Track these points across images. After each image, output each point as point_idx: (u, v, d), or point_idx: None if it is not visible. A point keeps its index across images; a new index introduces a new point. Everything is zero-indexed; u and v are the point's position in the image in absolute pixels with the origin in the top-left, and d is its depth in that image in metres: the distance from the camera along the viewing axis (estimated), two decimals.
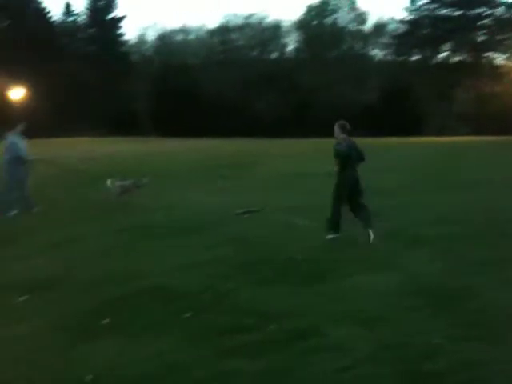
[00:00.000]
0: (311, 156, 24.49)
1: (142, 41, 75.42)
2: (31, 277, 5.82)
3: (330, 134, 7.94)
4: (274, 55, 70.22)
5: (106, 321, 4.41)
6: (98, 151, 26.78)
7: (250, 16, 67.94)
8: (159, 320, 4.47)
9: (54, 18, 65.44)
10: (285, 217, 8.98)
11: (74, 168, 18.36)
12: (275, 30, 68.09)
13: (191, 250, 6.94)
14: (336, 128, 7.72)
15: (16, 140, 9.86)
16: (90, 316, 4.58)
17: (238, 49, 70.05)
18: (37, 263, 6.42)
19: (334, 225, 7.34)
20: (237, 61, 65.35)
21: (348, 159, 7.40)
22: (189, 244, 7.23)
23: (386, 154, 19.35)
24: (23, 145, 9.89)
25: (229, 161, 20.04)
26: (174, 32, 73.68)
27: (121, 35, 70.00)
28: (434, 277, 5.48)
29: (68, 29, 65.87)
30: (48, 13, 64.53)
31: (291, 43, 70.81)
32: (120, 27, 69.16)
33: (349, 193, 7.39)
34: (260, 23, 68.39)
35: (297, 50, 68.37)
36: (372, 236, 7.04)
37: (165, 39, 72.58)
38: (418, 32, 56.77)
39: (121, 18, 68.51)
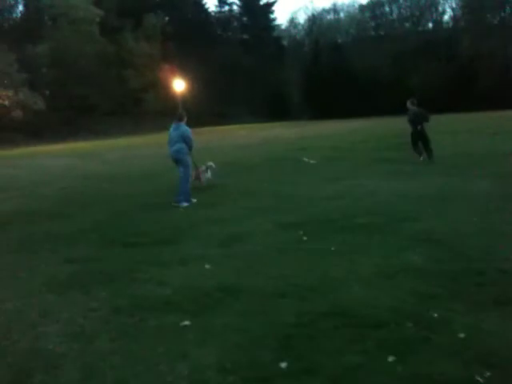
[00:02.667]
0: (487, 131, 21.57)
1: (293, 24, 75.27)
2: (194, 289, 4.73)
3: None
4: (428, 26, 65.28)
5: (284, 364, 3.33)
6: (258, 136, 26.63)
7: None
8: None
9: (210, 9, 68.31)
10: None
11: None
12: None
13: (377, 251, 5.63)
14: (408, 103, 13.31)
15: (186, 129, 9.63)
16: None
17: (390, 22, 66.25)
18: (200, 269, 5.53)
19: None
20: (389, 35, 61.83)
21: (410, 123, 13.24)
22: (369, 243, 5.93)
23: None
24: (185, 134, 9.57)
25: (395, 141, 18.20)
26: (324, 12, 72.16)
27: (273, 20, 70.47)
28: None
29: (223, 18, 67.93)
30: (205, 4, 67.41)
31: (447, 11, 65.39)
32: (272, 12, 69.61)
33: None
34: None
35: (454, 17, 62.57)
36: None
37: (315, 20, 71.41)
38: None
39: (272, 3, 68.82)
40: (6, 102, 40.99)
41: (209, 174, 11.63)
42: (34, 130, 41.79)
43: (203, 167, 11.54)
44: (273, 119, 53.39)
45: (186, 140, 9.55)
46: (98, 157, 23.48)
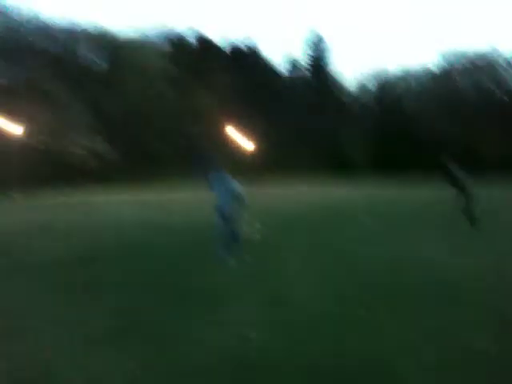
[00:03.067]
0: None
1: (362, 89, 75.94)
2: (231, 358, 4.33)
3: None
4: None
5: None
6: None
7: (477, 54, 63.30)
8: None
9: (279, 71, 70.37)
10: None
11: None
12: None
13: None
14: None
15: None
16: None
17: (461, 91, 65.48)
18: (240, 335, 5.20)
19: None
20: (458, 102, 61.02)
21: None
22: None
23: None
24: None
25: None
26: (393, 77, 72.36)
27: (340, 84, 71.59)
28: None
29: (291, 81, 69.72)
30: (274, 67, 69.61)
31: None
32: (340, 76, 70.90)
33: None
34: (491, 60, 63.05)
35: None
36: None
37: (385, 88, 71.78)
38: None
39: (340, 68, 70.11)
40: (79, 149, 43.28)
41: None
42: (107, 179, 43.59)
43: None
44: (338, 181, 53.19)
45: (231, 193, 9.28)
46: (165, 208, 23.97)
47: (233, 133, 51.91)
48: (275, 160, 55.28)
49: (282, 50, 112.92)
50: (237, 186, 9.41)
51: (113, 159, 44.64)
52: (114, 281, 7.70)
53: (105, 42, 55.01)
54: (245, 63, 63.54)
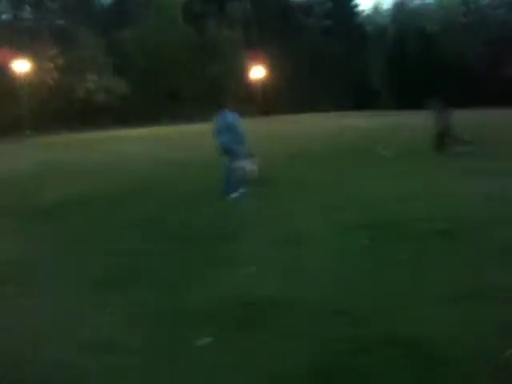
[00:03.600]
0: None
1: (377, 11, 72.54)
2: (234, 297, 4.15)
3: None
4: None
5: None
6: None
7: None
8: None
9: None
10: None
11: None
12: None
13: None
14: None
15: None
16: None
17: (481, 8, 61.85)
18: (246, 273, 5.03)
19: None
20: (480, 22, 57.82)
21: None
22: (444, 254, 5.18)
23: None
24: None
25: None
26: None
27: (355, 6, 68.11)
28: None
29: (305, 5, 66.48)
30: None
31: None
32: None
33: None
34: None
35: None
36: None
37: (401, 6, 68.17)
38: None
39: None
40: (91, 86, 42.54)
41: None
42: (118, 114, 43.08)
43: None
44: (356, 108, 51.81)
45: (231, 129, 8.96)
46: (175, 142, 23.69)
47: (246, 61, 50.59)
48: (291, 89, 53.80)
49: None
50: (232, 118, 9.05)
51: (131, 97, 43.96)
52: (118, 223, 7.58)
53: None
54: None
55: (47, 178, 13.06)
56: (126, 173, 13.54)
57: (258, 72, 51.47)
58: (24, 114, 37.04)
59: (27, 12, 49.93)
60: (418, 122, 18.57)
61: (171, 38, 49.79)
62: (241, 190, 8.94)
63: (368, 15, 71.90)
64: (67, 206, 9.01)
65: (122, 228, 7.10)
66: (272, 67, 50.66)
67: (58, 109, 40.78)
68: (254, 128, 17.91)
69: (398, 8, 67.33)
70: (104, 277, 4.94)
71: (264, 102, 49.97)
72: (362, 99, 56.04)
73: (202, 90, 51.18)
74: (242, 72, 51.91)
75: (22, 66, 37.65)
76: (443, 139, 13.66)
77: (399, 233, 6.08)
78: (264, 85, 50.90)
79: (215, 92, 51.52)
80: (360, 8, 69.59)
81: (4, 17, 48.61)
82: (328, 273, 4.82)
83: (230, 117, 9.08)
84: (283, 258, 5.32)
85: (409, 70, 52.58)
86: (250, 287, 4.46)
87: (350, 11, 66.68)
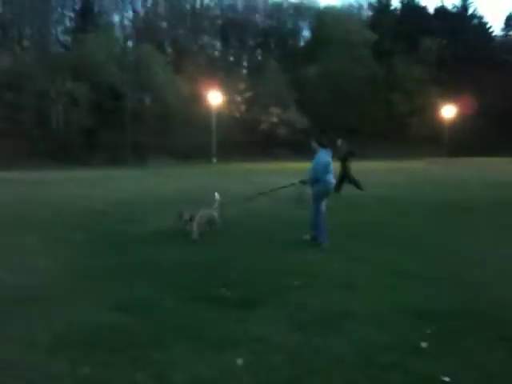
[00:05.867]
0: None
1: None
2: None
3: None
4: None
5: None
6: None
7: None
8: None
9: (495, 33, 62.02)
10: None
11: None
12: None
13: None
14: None
15: None
16: None
17: None
18: None
19: None
20: None
21: None
22: None
23: None
24: None
25: None
26: None
27: None
28: None
29: (508, 42, 60.91)
30: (489, 28, 61.43)
31: None
32: None
33: None
34: None
35: None
36: None
37: None
38: None
39: None
40: (275, 119, 44.00)
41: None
42: (296, 147, 43.85)
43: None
44: None
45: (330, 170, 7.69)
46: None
47: (435, 99, 47.67)
48: (483, 130, 48.80)
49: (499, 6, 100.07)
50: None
51: (309, 131, 44.69)
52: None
53: (308, 11, 55.14)
54: (451, 24, 57.10)
55: None
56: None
57: (448, 111, 48.18)
58: (212, 143, 39.70)
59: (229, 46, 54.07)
60: None
61: (357, 75, 49.46)
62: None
63: None
64: None
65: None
66: (463, 107, 47.02)
67: (242, 140, 42.98)
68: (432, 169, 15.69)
69: None
70: None
71: (451, 142, 46.42)
72: None
73: (384, 127, 49.69)
74: (429, 110, 49.29)
75: (215, 98, 40.70)
76: None
77: None
78: (452, 124, 47.42)
79: (396, 130, 49.64)
80: None
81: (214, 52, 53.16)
82: None
83: (328, 155, 7.75)
84: None
85: None
86: None
87: None
